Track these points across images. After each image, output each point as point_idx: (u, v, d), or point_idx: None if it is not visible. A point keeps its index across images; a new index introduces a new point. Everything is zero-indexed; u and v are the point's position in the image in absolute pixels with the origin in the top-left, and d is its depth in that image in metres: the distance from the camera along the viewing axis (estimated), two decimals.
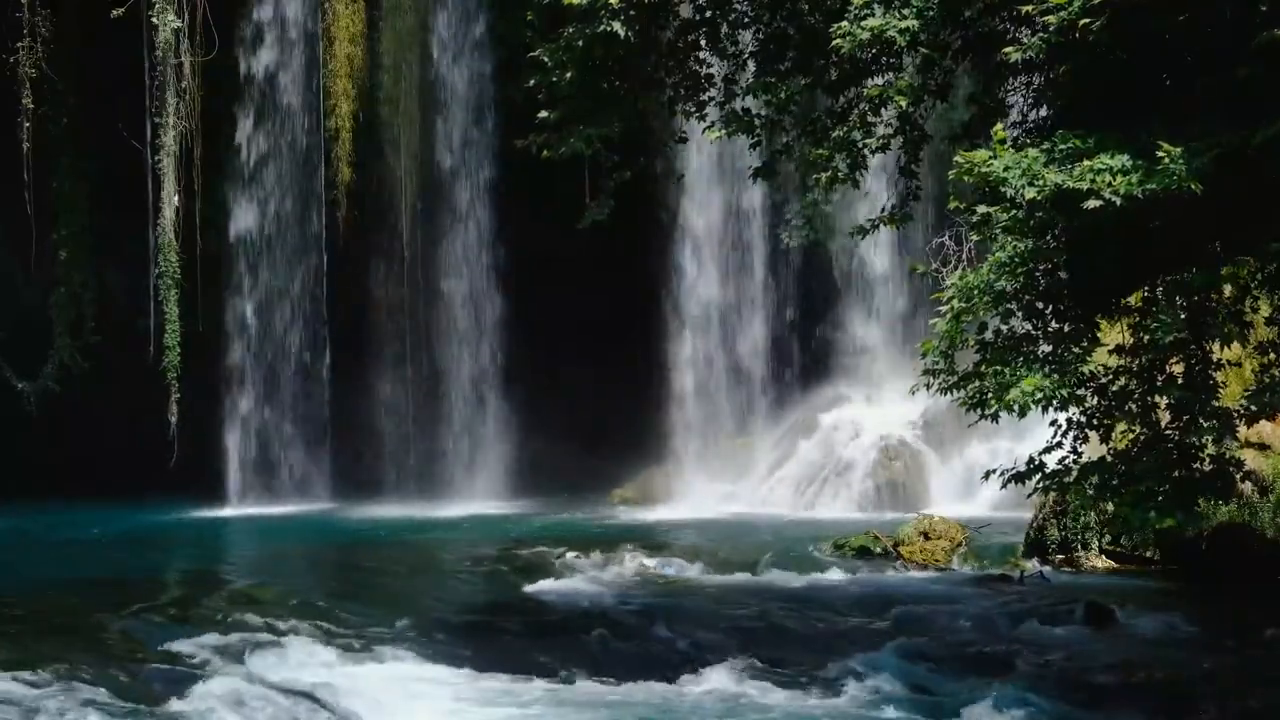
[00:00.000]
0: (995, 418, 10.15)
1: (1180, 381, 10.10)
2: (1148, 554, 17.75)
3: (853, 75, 12.26)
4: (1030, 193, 9.45)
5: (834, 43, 11.22)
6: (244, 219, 30.07)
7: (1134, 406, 10.47)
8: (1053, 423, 10.72)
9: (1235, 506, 14.99)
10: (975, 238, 10.85)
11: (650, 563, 18.87)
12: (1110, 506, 14.04)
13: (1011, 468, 11.06)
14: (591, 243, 23.43)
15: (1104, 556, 18.01)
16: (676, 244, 29.34)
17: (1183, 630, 14.58)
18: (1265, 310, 10.78)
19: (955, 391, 10.34)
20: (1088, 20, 9.54)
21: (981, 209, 9.94)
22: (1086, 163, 9.24)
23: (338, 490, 29.62)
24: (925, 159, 12.98)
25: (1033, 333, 10.38)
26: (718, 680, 12.80)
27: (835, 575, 18.03)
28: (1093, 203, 9.12)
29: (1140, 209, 9.11)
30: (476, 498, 28.32)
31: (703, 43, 13.25)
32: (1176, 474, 10.20)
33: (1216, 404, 10.06)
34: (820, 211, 28.38)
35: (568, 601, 16.21)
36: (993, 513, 21.86)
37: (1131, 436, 10.68)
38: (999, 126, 10.31)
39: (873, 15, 10.96)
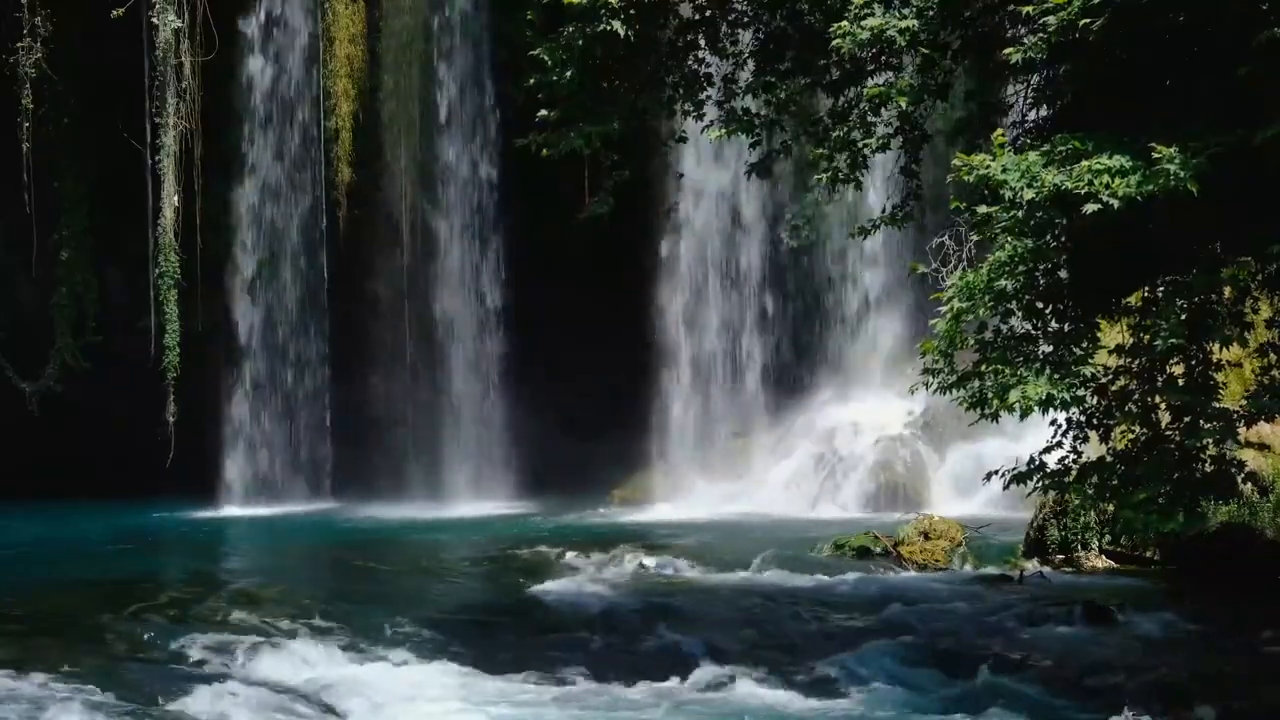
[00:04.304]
0: (995, 417, 10.16)
1: (1181, 383, 10.09)
2: (1148, 554, 17.73)
3: (853, 75, 12.27)
4: (1029, 194, 9.45)
5: (834, 42, 11.23)
6: (244, 219, 30.10)
7: (1134, 407, 10.46)
8: (1053, 422, 10.72)
9: (1235, 506, 14.97)
10: (975, 237, 10.85)
11: (649, 563, 18.86)
12: (1110, 507, 14.04)
13: (1012, 468, 11.07)
14: (591, 242, 23.54)
15: (1104, 556, 17.99)
16: (675, 244, 29.34)
17: (1183, 630, 14.56)
18: (1265, 312, 10.76)
19: (955, 391, 10.34)
20: (1088, 20, 9.54)
21: (982, 209, 9.94)
22: (1085, 163, 9.23)
23: (338, 490, 29.64)
24: (925, 159, 12.99)
25: (1033, 333, 10.38)
26: (717, 680, 12.78)
27: (835, 575, 18.00)
28: (1091, 207, 9.12)
29: (1139, 210, 9.11)
30: (476, 498, 28.34)
31: (702, 42, 13.25)
32: (1177, 475, 10.20)
33: (1218, 405, 10.05)
34: (819, 211, 28.41)
35: (568, 601, 16.19)
36: (993, 513, 21.85)
37: (1131, 437, 10.67)
38: (999, 130, 10.31)
39: (873, 15, 10.97)
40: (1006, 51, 10.50)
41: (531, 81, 12.77)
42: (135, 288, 29.34)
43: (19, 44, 28.10)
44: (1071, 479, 10.74)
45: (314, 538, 24.58)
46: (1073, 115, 10.44)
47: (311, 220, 30.14)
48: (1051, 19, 9.78)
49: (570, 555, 19.32)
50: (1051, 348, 10.22)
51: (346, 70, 29.85)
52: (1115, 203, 9.06)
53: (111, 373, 29.29)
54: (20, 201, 28.28)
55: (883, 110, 12.00)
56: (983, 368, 10.19)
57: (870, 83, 11.98)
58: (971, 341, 10.42)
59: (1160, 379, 10.33)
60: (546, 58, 12.44)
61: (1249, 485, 11.00)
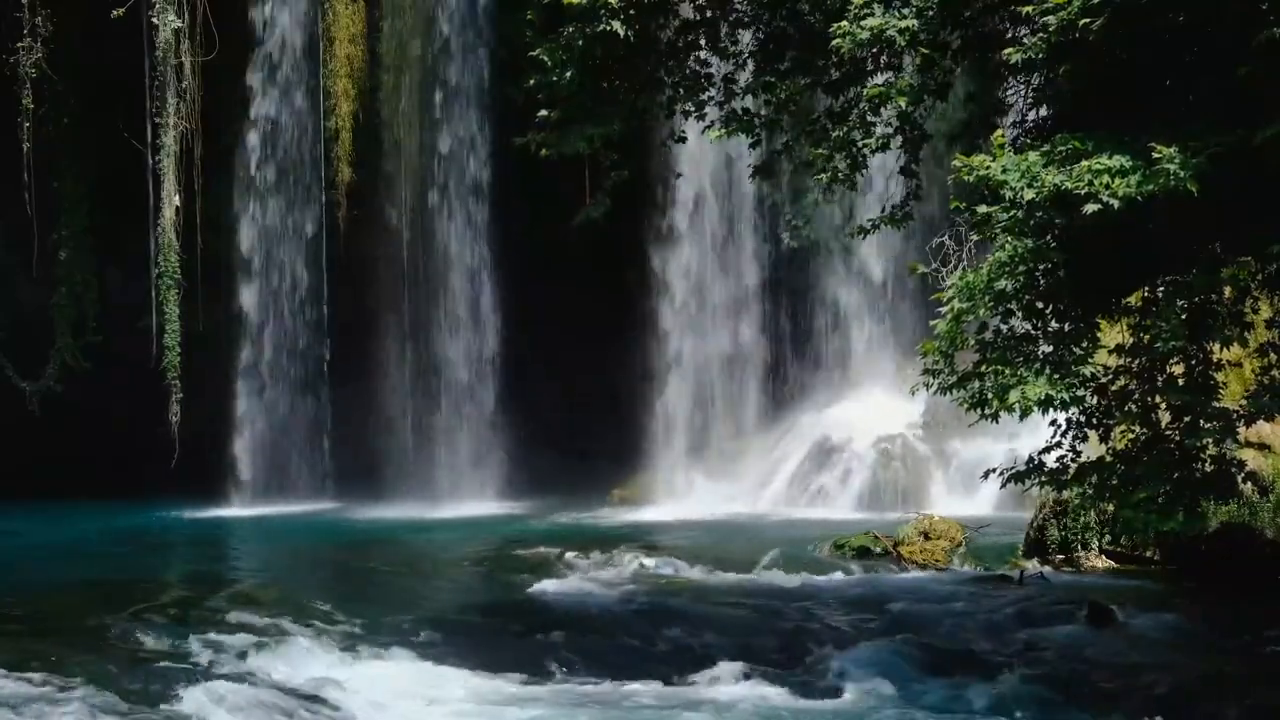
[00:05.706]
0: (995, 418, 10.17)
1: (1181, 383, 10.10)
2: (1148, 554, 17.73)
3: (853, 75, 12.27)
4: (1029, 194, 9.46)
5: (834, 42, 11.24)
6: (244, 219, 30.12)
7: (1134, 407, 10.47)
8: (1052, 422, 10.73)
9: (1235, 506, 14.99)
10: (975, 237, 10.85)
11: (649, 563, 18.85)
12: (1110, 507, 14.04)
13: (1011, 467, 11.08)
14: (590, 242, 23.54)
15: (1104, 556, 17.99)
16: (674, 243, 29.32)
17: (1183, 630, 14.56)
18: (1266, 312, 10.77)
19: (955, 391, 10.34)
20: (1088, 20, 9.55)
21: (982, 209, 9.95)
22: (1085, 163, 9.24)
23: (338, 491, 29.62)
24: (925, 159, 12.99)
25: (1033, 333, 10.38)
26: (717, 680, 12.80)
27: (835, 575, 18.02)
28: (1091, 207, 9.13)
29: (1139, 210, 9.12)
30: (477, 498, 28.33)
31: (702, 42, 13.26)
32: (1177, 475, 10.21)
33: (1218, 404, 10.06)
34: (819, 211, 28.39)
35: (568, 601, 16.19)
36: (993, 513, 21.87)
37: (1131, 437, 10.68)
38: (999, 131, 10.31)
39: (873, 15, 10.98)
40: (1006, 51, 10.51)
41: (531, 81, 12.78)
42: (135, 288, 29.35)
43: (19, 44, 28.11)
44: (1070, 478, 10.75)
45: (314, 538, 24.57)
46: (1073, 115, 10.45)
47: (311, 220, 30.13)
48: (1051, 19, 9.79)
49: (570, 555, 19.31)
50: (1051, 348, 10.22)
51: (346, 70, 29.86)
52: (1115, 203, 9.07)
53: (111, 373, 29.30)
54: (20, 201, 28.30)
55: (882, 110, 12.01)
56: (983, 368, 10.19)
57: (870, 83, 11.99)
58: (971, 342, 10.42)
59: (1160, 379, 10.34)
60: (546, 58, 12.45)
61: (1249, 485, 11.01)
